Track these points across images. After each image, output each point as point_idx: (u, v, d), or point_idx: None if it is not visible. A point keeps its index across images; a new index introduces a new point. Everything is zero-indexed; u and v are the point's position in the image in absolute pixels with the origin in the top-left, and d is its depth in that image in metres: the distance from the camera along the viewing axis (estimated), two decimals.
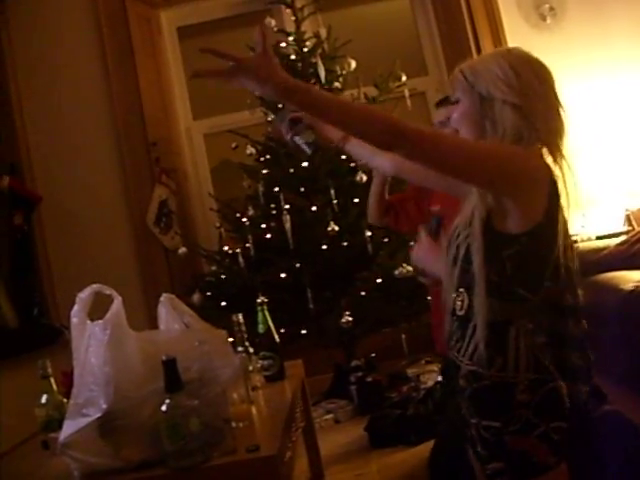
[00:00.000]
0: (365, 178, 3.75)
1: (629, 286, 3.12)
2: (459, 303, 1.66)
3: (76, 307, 1.78)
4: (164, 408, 1.57)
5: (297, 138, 1.98)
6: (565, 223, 1.66)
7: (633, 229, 4.04)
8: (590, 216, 4.22)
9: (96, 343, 1.70)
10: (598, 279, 3.47)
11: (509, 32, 4.54)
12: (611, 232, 4.11)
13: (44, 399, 2.11)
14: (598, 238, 4.05)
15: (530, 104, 1.64)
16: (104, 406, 1.63)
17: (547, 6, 4.57)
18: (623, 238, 3.84)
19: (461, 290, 1.66)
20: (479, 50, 4.55)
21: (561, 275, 1.61)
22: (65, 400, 2.00)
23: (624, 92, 4.41)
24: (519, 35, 4.54)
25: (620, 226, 4.22)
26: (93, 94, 4.63)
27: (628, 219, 4.22)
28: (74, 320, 1.77)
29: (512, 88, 1.63)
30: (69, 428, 1.67)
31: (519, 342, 1.58)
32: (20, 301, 3.97)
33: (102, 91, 4.62)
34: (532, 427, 1.56)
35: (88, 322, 1.75)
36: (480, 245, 1.60)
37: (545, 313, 1.61)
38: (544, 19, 4.56)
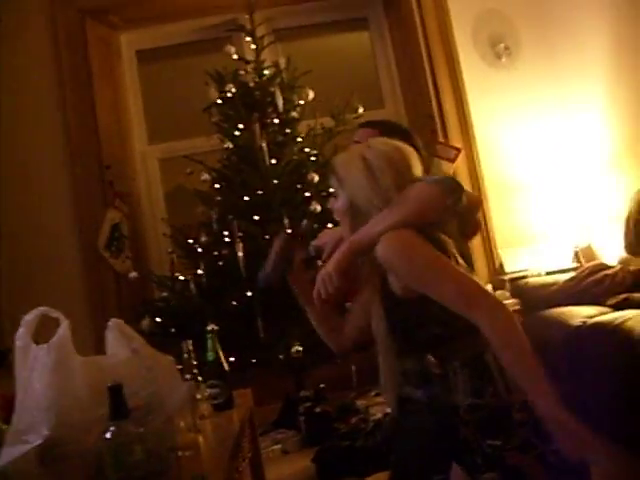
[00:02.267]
0: (319, 208, 3.76)
1: (577, 321, 3.18)
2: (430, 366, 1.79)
3: (21, 330, 1.74)
4: (108, 435, 1.54)
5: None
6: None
7: (581, 265, 4.11)
8: (540, 252, 4.30)
9: (40, 367, 1.65)
10: (547, 314, 3.52)
11: (465, 69, 4.64)
12: (560, 268, 4.18)
13: None
14: (547, 274, 4.13)
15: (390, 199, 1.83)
16: (45, 432, 1.58)
17: (502, 45, 4.68)
18: (572, 274, 3.92)
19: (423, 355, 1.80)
20: (435, 85, 4.63)
21: None
22: (5, 426, 1.94)
23: (575, 129, 4.51)
24: (475, 72, 4.64)
25: (569, 262, 4.29)
26: (48, 114, 4.58)
27: (577, 255, 4.30)
28: (18, 343, 1.72)
29: (372, 191, 1.83)
30: (7, 455, 1.61)
31: (500, 366, 1.68)
32: None
33: (57, 111, 4.57)
34: (531, 446, 1.66)
35: (33, 345, 1.71)
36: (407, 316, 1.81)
37: None
38: (499, 57, 4.67)
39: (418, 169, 1.91)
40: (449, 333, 1.75)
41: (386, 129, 2.54)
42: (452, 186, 1.90)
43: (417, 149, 2.18)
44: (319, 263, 2.18)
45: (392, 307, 1.84)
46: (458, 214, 1.93)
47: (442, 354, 1.76)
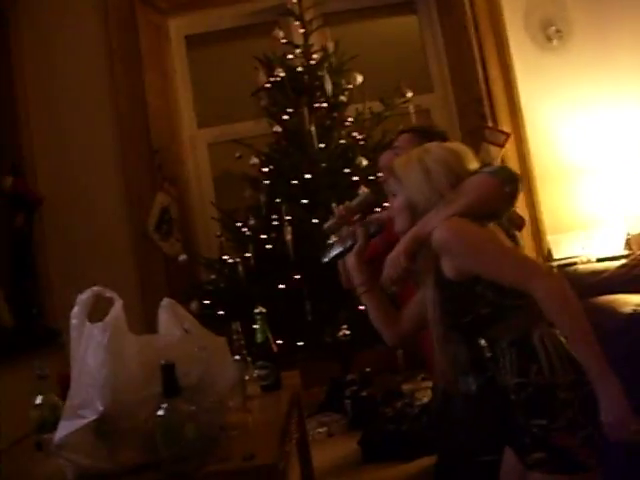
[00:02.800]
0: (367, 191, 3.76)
1: (628, 309, 3.13)
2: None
3: (76, 308, 1.78)
4: (161, 412, 1.57)
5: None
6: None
7: (633, 253, 4.05)
8: (591, 238, 4.23)
9: (95, 345, 1.69)
10: (597, 301, 3.47)
11: (515, 52, 4.57)
12: (611, 255, 4.12)
13: (39, 400, 2.09)
14: (598, 260, 4.07)
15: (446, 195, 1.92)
16: (100, 408, 1.62)
17: (554, 28, 4.59)
18: (623, 261, 3.86)
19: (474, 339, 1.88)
20: (485, 69, 4.57)
21: None
22: (61, 401, 1.99)
23: (627, 116, 4.43)
24: (525, 55, 4.57)
25: (620, 249, 4.22)
26: (99, 99, 4.63)
27: (628, 243, 4.23)
28: (74, 321, 1.77)
29: (429, 191, 1.93)
30: (64, 429, 1.66)
31: (546, 345, 1.76)
32: (18, 302, 3.96)
33: (108, 96, 4.62)
34: (579, 427, 1.70)
35: (87, 324, 1.75)
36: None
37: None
38: (550, 40, 4.59)
39: (474, 166, 2.00)
40: (497, 313, 1.82)
41: (425, 135, 2.59)
42: (510, 175, 1.97)
43: None
44: None
45: (444, 290, 1.91)
46: (514, 204, 2.02)
47: (491, 336, 1.83)
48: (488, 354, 1.84)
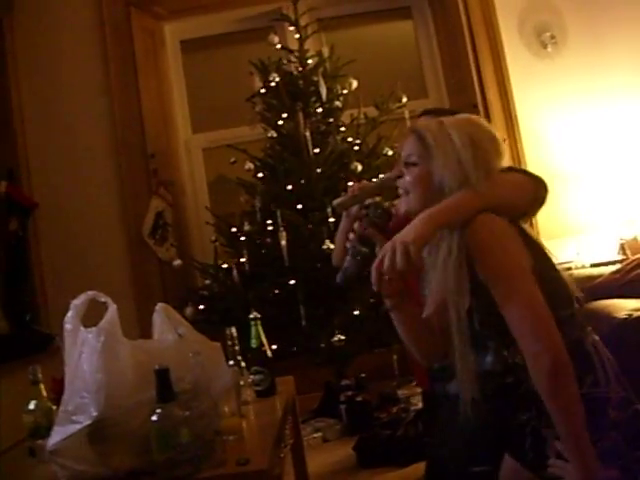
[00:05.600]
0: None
1: (622, 314, 3.13)
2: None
3: (70, 313, 1.77)
4: (155, 418, 1.57)
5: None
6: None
7: (627, 258, 4.05)
8: (585, 244, 4.24)
9: (89, 350, 1.68)
10: (592, 307, 3.47)
11: (510, 58, 4.58)
12: (605, 260, 4.13)
13: (32, 405, 2.08)
14: (592, 266, 4.07)
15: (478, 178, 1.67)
16: (94, 413, 1.62)
17: (548, 34, 4.61)
18: (617, 266, 3.86)
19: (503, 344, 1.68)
20: (479, 74, 4.58)
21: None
22: (54, 407, 1.98)
23: (622, 121, 4.44)
24: (520, 61, 4.59)
25: (614, 254, 4.23)
26: (94, 104, 4.63)
27: (622, 248, 4.24)
28: (67, 326, 1.76)
29: (459, 170, 1.67)
30: (58, 435, 1.65)
31: (600, 355, 1.61)
32: (12, 307, 3.95)
33: (103, 100, 4.62)
34: (618, 455, 1.52)
35: (82, 329, 1.74)
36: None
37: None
38: (545, 47, 4.60)
39: (503, 159, 1.78)
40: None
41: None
42: (542, 181, 1.82)
43: None
44: None
45: (476, 290, 1.63)
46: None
47: None
48: (518, 360, 1.62)
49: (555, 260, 1.74)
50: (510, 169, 1.82)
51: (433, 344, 1.81)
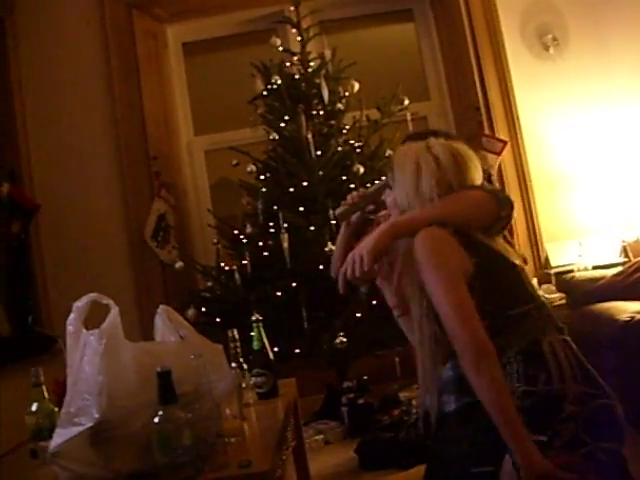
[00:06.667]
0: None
1: (625, 316, 3.14)
2: None
3: (72, 315, 1.77)
4: (157, 420, 1.56)
5: None
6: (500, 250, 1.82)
7: (629, 260, 4.06)
8: (587, 246, 4.24)
9: (91, 352, 1.68)
10: (594, 309, 3.48)
11: (512, 60, 4.58)
12: (608, 263, 4.13)
13: (34, 407, 2.08)
14: (595, 268, 4.07)
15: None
16: (96, 415, 1.62)
17: (550, 36, 4.61)
18: (619, 269, 3.86)
19: None
20: (482, 76, 4.59)
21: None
22: (56, 409, 1.98)
23: (624, 123, 4.44)
24: (522, 64, 4.59)
25: (617, 257, 4.23)
26: (96, 106, 4.64)
27: (625, 250, 4.24)
28: (70, 328, 1.76)
29: (414, 196, 1.84)
30: (60, 437, 1.65)
31: (557, 353, 1.67)
32: (14, 309, 3.95)
33: (105, 103, 4.64)
34: (580, 444, 1.58)
35: (84, 331, 1.74)
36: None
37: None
38: (547, 49, 4.60)
39: (476, 176, 1.90)
40: (501, 324, 1.70)
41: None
42: (507, 200, 1.90)
43: None
44: None
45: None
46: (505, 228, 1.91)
47: (498, 345, 1.66)
48: None
49: (516, 262, 1.81)
50: (473, 187, 1.89)
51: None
